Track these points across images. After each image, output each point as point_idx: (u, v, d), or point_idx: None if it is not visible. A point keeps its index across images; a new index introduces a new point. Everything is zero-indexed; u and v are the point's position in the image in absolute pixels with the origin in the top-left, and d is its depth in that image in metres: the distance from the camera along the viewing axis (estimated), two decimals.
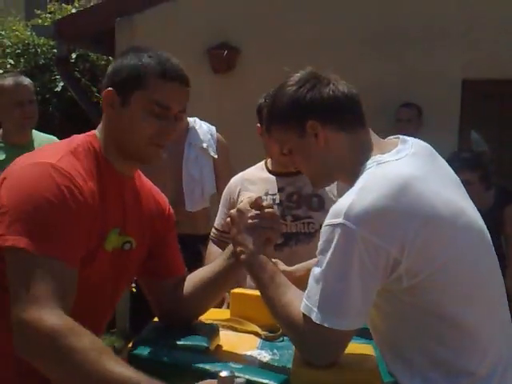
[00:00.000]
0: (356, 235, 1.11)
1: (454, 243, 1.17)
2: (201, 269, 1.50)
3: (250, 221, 1.36)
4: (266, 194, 2.08)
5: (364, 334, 1.43)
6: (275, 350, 1.40)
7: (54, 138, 2.89)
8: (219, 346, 1.40)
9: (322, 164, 1.30)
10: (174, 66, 1.28)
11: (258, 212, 1.37)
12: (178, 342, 1.33)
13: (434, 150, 1.33)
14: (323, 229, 1.18)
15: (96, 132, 1.34)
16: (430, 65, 4.01)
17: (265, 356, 1.38)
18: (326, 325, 1.14)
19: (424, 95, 3.95)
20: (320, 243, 1.18)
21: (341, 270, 1.14)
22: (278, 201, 2.07)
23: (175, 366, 1.25)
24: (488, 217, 3.27)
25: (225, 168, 2.89)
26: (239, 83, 4.12)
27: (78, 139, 1.30)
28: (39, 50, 6.21)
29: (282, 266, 1.75)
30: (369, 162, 1.22)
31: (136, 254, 1.38)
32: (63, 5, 7.40)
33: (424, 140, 1.34)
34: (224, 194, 2.24)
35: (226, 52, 4.06)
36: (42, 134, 2.86)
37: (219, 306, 1.82)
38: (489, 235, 1.29)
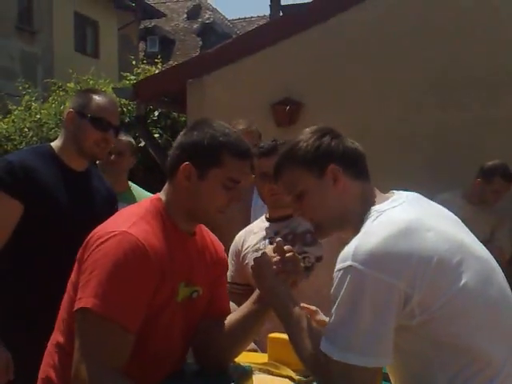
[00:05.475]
0: (365, 275, 1.18)
1: (458, 276, 1.21)
2: (231, 314, 1.60)
3: (274, 266, 1.45)
4: (264, 238, 2.17)
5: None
6: None
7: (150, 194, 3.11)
8: None
9: (335, 208, 1.37)
10: (245, 144, 1.45)
11: (280, 257, 1.47)
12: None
13: (423, 197, 1.41)
14: (334, 275, 1.25)
15: (161, 195, 1.50)
16: (496, 112, 3.95)
17: None
18: (348, 362, 1.19)
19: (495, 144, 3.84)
20: (332, 288, 1.25)
21: (352, 309, 1.19)
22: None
23: None
24: None
25: None
26: None
27: (146, 204, 1.48)
28: (125, 110, 6.73)
29: (320, 316, 1.79)
30: (370, 212, 1.31)
31: (203, 299, 1.53)
32: (147, 67, 8.03)
33: None
34: (231, 247, 2.29)
35: (288, 107, 4.26)
36: (142, 190, 3.06)
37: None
38: (494, 261, 1.32)
